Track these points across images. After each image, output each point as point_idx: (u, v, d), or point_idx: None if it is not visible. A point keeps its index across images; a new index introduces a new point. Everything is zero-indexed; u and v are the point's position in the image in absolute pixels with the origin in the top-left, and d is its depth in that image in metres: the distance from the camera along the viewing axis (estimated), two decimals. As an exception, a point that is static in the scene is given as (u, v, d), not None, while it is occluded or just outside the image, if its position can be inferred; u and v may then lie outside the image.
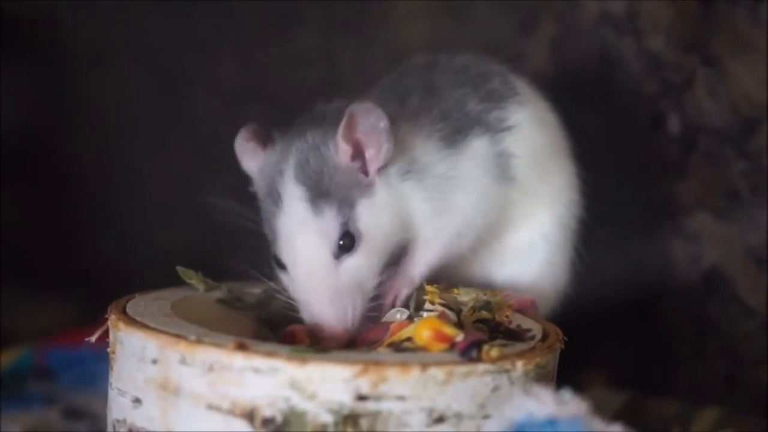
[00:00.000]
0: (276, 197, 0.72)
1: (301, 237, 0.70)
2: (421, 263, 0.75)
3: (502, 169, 0.77)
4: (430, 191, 0.74)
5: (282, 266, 0.72)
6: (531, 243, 0.81)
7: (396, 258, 0.74)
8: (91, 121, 1.37)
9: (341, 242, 0.70)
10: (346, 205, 0.70)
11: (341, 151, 0.71)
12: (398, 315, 0.73)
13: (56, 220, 1.36)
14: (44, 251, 1.31)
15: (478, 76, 0.79)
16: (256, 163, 0.75)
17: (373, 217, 0.71)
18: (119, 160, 1.34)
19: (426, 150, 0.74)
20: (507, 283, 0.81)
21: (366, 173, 0.72)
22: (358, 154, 0.72)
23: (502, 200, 0.77)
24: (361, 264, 0.71)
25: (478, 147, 0.76)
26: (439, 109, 0.76)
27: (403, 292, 0.74)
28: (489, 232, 0.78)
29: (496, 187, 0.77)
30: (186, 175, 1.26)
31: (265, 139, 0.75)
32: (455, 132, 0.75)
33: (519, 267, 0.81)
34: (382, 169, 0.72)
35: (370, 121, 0.70)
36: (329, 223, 0.70)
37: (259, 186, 0.75)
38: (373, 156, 0.72)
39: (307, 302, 0.71)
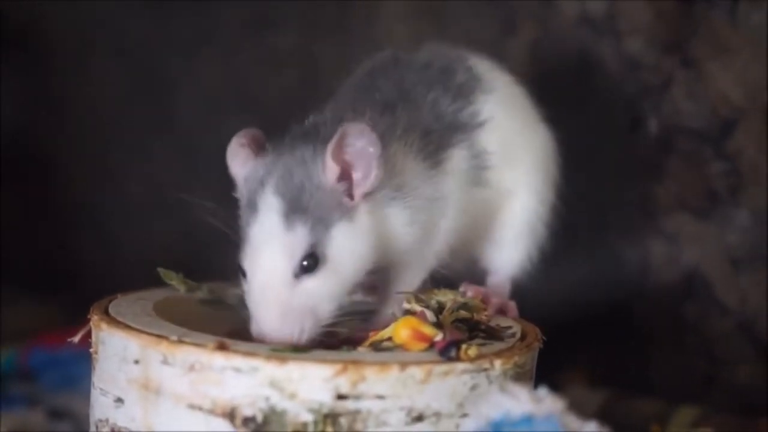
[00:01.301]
0: (254, 206, 0.69)
1: (266, 248, 0.68)
2: (411, 287, 0.74)
3: (478, 173, 0.77)
4: (417, 214, 0.72)
5: (244, 274, 0.69)
6: (507, 218, 0.82)
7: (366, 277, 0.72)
8: (71, 122, 1.37)
9: (304, 262, 0.67)
10: (321, 225, 0.68)
11: (328, 170, 0.68)
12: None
13: (38, 222, 1.36)
14: (27, 253, 1.31)
15: (443, 72, 0.78)
16: (244, 170, 0.71)
17: (348, 242, 0.69)
18: (100, 162, 1.34)
19: (416, 173, 0.73)
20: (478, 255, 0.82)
21: (351, 196, 0.69)
22: (345, 175, 0.69)
23: (475, 207, 0.77)
24: (321, 288, 0.68)
25: (458, 158, 0.76)
26: (422, 125, 0.74)
27: (395, 316, 0.71)
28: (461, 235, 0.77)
29: (471, 196, 0.77)
30: (167, 176, 1.26)
31: (259, 147, 0.72)
32: (438, 149, 0.74)
33: (489, 244, 0.82)
34: (368, 194, 0.70)
35: (361, 144, 0.68)
36: (297, 240, 0.67)
37: (241, 194, 0.72)
38: (360, 180, 0.69)
39: (258, 315, 0.68)
